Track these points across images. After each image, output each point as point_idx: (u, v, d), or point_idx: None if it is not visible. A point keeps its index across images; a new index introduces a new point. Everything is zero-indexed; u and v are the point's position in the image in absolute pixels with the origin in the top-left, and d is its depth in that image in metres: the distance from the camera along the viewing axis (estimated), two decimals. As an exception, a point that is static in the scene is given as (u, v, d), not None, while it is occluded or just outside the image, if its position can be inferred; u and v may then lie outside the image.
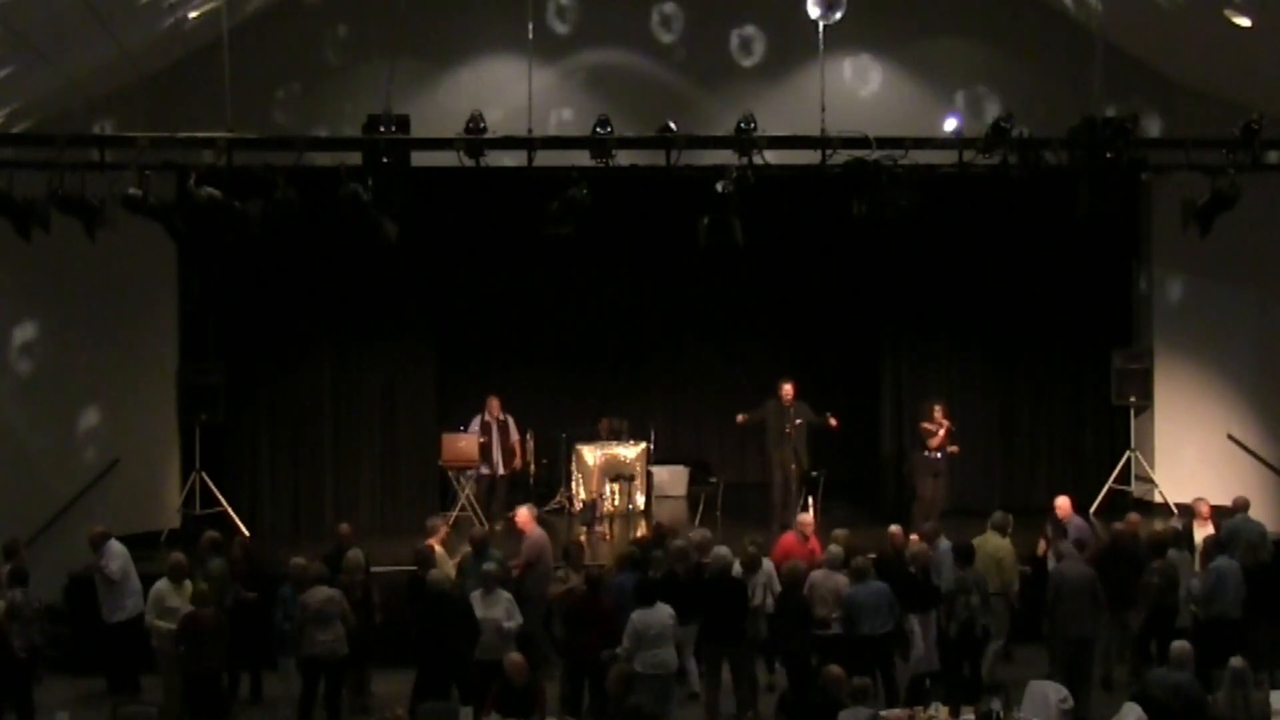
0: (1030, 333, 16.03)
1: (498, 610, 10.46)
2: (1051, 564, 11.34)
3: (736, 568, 11.01)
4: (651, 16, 14.26)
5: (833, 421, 14.39)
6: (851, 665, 10.33)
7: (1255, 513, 12.31)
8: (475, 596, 10.55)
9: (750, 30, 14.14)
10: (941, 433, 14.37)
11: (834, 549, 11.38)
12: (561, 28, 13.99)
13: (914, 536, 11.99)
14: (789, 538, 12.11)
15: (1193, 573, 11.32)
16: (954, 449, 14.51)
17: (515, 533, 12.34)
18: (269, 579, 11.45)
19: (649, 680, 9.78)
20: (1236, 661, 9.00)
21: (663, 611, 10.11)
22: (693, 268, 15.61)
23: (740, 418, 14.70)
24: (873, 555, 11.30)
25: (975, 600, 10.88)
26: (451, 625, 10.25)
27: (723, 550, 10.96)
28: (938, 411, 14.46)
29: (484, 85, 13.60)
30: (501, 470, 15.21)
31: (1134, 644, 11.66)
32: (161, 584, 10.94)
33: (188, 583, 10.92)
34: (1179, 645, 9.30)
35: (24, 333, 13.36)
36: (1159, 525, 12.80)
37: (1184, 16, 13.02)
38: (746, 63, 14.20)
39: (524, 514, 12.22)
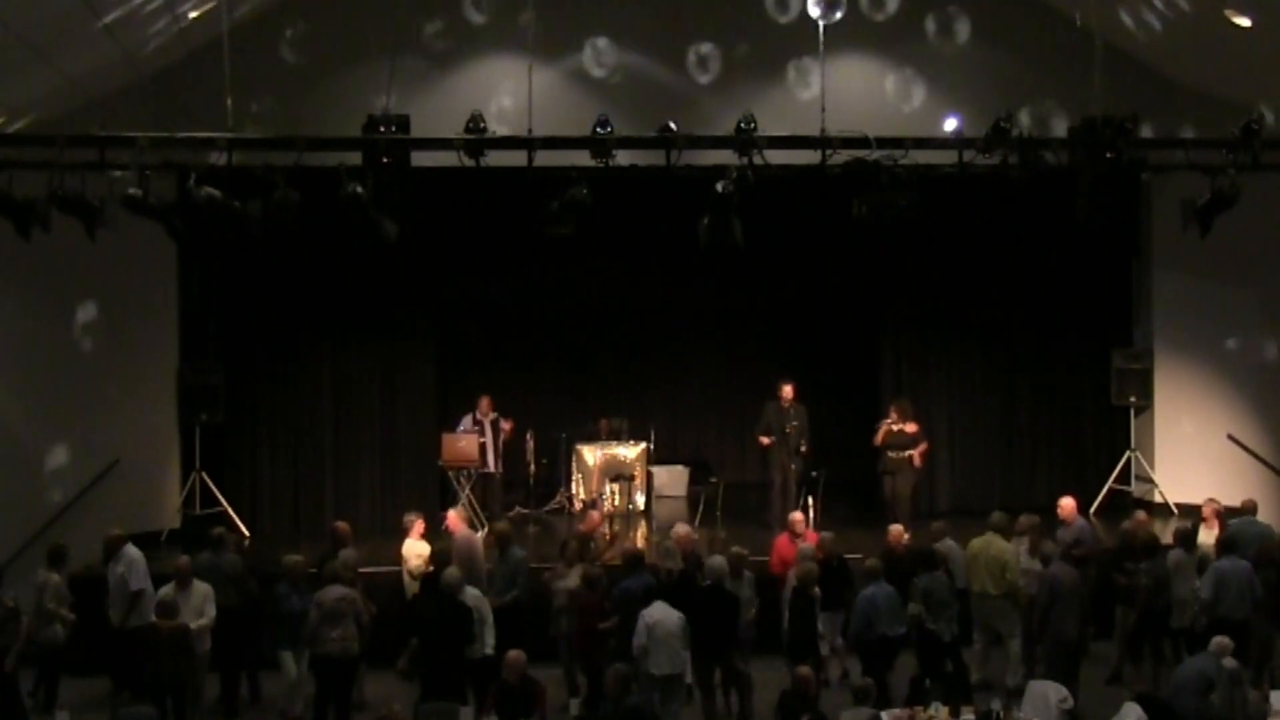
0: (1030, 333, 16.04)
1: None
2: (1035, 565, 11.32)
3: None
4: (653, 17, 14.25)
5: (803, 447, 14.52)
6: (868, 665, 10.38)
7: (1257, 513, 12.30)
8: None
9: (751, 30, 14.11)
10: (881, 432, 14.41)
11: (805, 546, 11.50)
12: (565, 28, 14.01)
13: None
14: (782, 539, 12.14)
15: (1192, 575, 11.28)
16: (916, 451, 14.47)
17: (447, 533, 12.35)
18: (260, 578, 11.47)
19: (658, 680, 9.83)
20: (1229, 662, 9.02)
21: (673, 613, 10.11)
22: (693, 268, 15.59)
23: (764, 440, 14.67)
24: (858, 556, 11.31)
25: (917, 609, 10.79)
26: (454, 624, 10.26)
27: (718, 560, 10.90)
28: (893, 411, 14.46)
29: (484, 85, 13.60)
30: (492, 469, 15.20)
31: (1124, 644, 11.68)
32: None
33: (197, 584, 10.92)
34: (1220, 640, 9.29)
35: (24, 333, 13.35)
36: (1170, 526, 12.78)
37: (1184, 16, 13.02)
38: (746, 64, 14.19)
39: (452, 516, 12.34)
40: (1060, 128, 11.10)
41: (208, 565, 11.18)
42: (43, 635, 10.97)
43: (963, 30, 14.53)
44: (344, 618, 10.31)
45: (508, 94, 12.90)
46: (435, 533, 12.57)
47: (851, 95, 13.73)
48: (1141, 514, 12.59)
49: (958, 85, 14.28)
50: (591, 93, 13.87)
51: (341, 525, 11.95)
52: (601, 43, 14.15)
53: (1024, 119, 10.97)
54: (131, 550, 11.25)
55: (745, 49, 14.18)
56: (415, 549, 11.82)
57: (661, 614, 10.06)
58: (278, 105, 13.23)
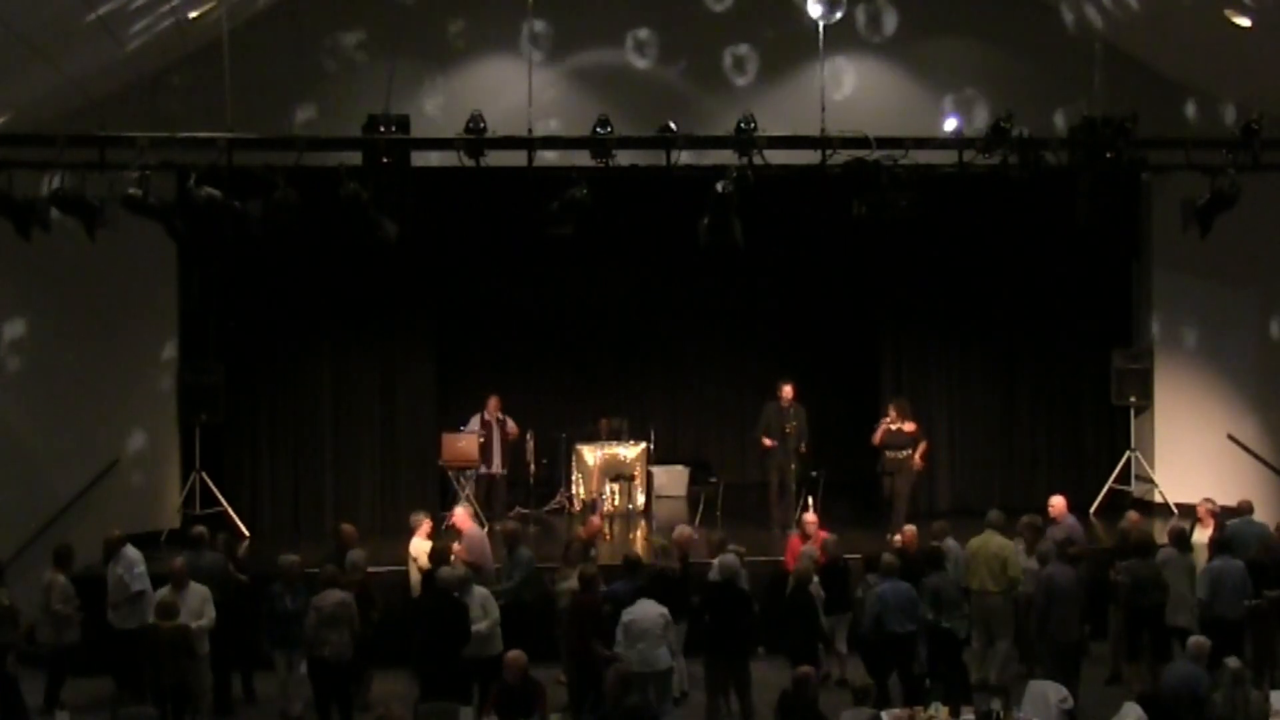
0: (1030, 333, 16.05)
1: (473, 609, 10.49)
2: (1032, 564, 11.32)
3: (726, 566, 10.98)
4: (652, 17, 14.25)
5: (802, 448, 14.51)
6: (874, 663, 10.37)
7: (1255, 513, 12.29)
8: None
9: (751, 31, 14.10)
10: (880, 431, 14.37)
11: (805, 549, 11.51)
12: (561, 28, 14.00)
13: (897, 537, 12.17)
14: (795, 540, 12.22)
15: (1185, 574, 11.28)
16: (917, 451, 14.43)
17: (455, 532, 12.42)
18: (257, 578, 11.47)
19: (644, 678, 9.81)
20: (1232, 662, 9.02)
21: (651, 609, 10.11)
22: (693, 268, 15.60)
23: (766, 442, 14.62)
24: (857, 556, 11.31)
25: (925, 612, 10.83)
26: (449, 623, 10.26)
27: (731, 557, 10.90)
28: (892, 410, 14.45)
29: (484, 85, 13.60)
30: (498, 469, 15.20)
31: (1115, 643, 11.69)
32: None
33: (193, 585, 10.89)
34: (1196, 640, 9.36)
35: (24, 333, 13.35)
36: (1166, 525, 12.78)
37: (1184, 16, 13.02)
38: (746, 64, 14.17)
39: (460, 514, 12.39)
40: (1060, 128, 11.09)
41: (189, 565, 11.10)
42: (49, 636, 10.97)
43: (962, 30, 14.54)
44: (341, 622, 10.31)
45: (508, 94, 12.86)
46: (438, 532, 12.58)
47: (851, 95, 13.76)
48: (1133, 513, 12.59)
49: (958, 85, 14.28)
50: (592, 92, 13.87)
51: (347, 528, 11.96)
52: (600, 43, 14.16)
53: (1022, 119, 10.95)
54: (131, 552, 11.24)
55: (745, 48, 14.16)
56: (423, 548, 11.81)
57: (638, 613, 10.05)
58: (278, 105, 13.23)
